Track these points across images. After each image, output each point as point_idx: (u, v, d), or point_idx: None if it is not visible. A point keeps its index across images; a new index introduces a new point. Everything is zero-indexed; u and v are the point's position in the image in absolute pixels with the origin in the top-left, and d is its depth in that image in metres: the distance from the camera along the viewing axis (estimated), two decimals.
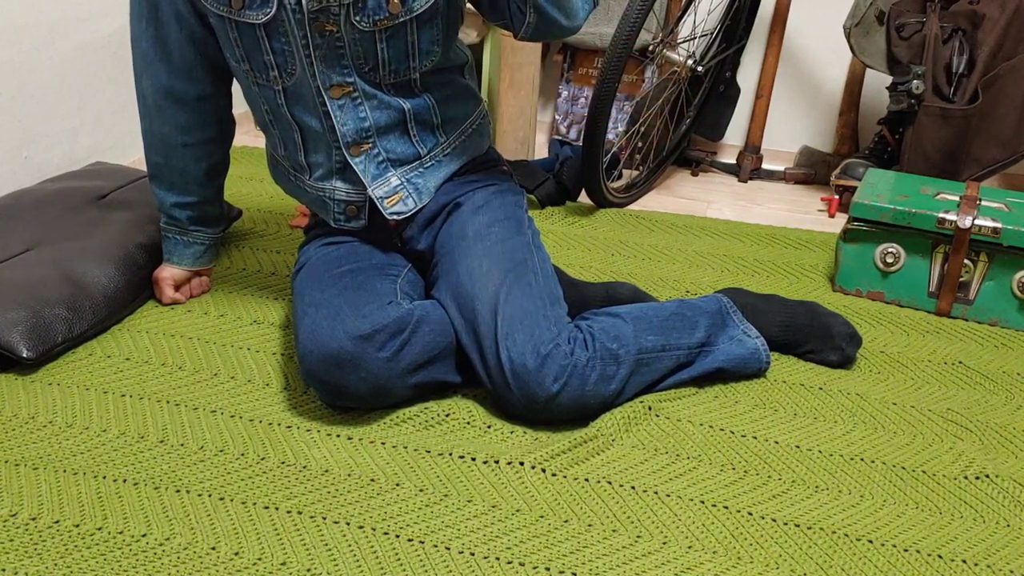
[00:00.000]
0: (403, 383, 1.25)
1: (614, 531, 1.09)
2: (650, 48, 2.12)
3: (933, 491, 1.18)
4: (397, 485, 1.15)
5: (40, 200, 1.70)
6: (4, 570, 0.98)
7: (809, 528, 1.11)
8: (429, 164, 1.38)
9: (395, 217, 1.37)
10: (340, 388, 1.22)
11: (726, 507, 1.13)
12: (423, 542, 1.06)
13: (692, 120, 2.35)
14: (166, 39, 1.34)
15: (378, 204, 1.36)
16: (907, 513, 1.14)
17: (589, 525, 1.09)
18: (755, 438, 1.27)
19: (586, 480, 1.17)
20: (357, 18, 1.23)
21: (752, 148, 2.38)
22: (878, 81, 2.34)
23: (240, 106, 2.01)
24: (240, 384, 1.34)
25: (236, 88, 1.52)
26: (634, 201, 2.16)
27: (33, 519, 1.06)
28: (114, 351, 1.41)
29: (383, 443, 1.22)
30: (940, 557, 1.07)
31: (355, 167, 1.34)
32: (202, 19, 1.32)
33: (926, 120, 1.97)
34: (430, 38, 1.29)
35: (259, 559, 1.02)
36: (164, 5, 1.31)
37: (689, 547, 1.07)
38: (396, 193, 1.36)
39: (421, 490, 1.14)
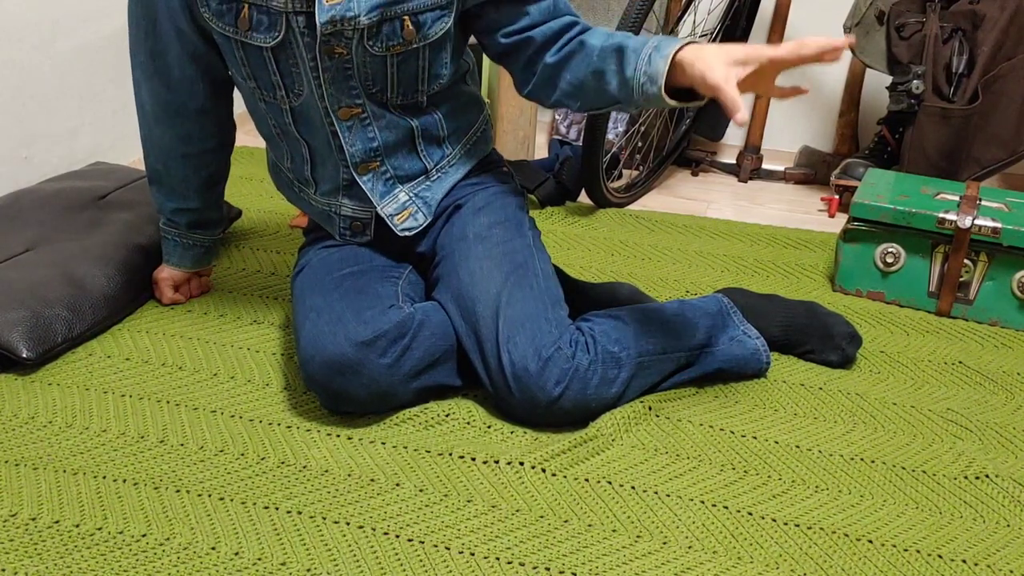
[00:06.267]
0: (405, 388, 1.24)
1: (614, 531, 1.09)
2: None
3: (933, 491, 1.18)
4: (397, 485, 1.15)
5: (40, 200, 1.70)
6: (4, 570, 0.98)
7: (809, 528, 1.11)
8: (436, 177, 1.37)
9: (407, 233, 1.36)
10: (342, 394, 1.22)
11: (726, 507, 1.13)
12: (423, 542, 1.06)
13: (692, 120, 2.35)
14: (165, 54, 1.32)
15: (388, 222, 1.35)
16: (907, 513, 1.14)
17: (589, 525, 1.09)
18: (755, 438, 1.27)
19: (586, 480, 1.17)
20: (370, 43, 1.21)
21: (752, 148, 2.37)
22: (878, 81, 2.34)
23: (239, 107, 2.00)
24: (240, 384, 1.34)
25: (236, 92, 1.51)
26: (634, 201, 2.16)
27: (33, 519, 1.06)
28: (114, 351, 1.41)
29: (383, 443, 1.22)
30: (940, 557, 1.07)
31: (362, 185, 1.33)
32: (204, 36, 1.29)
33: (926, 120, 1.97)
34: (440, 61, 1.28)
35: (259, 559, 1.02)
36: (163, 21, 1.28)
37: (689, 547, 1.07)
38: (406, 209, 1.35)
39: (421, 490, 1.14)
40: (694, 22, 2.30)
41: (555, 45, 1.26)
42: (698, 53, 1.10)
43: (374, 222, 1.38)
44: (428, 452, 1.20)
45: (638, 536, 1.08)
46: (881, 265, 1.68)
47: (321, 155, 1.33)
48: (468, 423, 1.27)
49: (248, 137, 2.44)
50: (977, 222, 1.58)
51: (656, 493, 1.15)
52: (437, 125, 1.34)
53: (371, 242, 1.41)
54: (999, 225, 1.57)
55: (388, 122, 1.30)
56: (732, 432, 1.28)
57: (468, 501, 1.12)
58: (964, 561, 1.07)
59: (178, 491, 1.12)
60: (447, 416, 1.28)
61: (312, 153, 1.34)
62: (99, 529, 1.05)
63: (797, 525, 1.11)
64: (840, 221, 2.12)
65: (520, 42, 1.26)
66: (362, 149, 1.30)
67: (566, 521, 1.10)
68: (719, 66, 1.06)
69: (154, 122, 1.40)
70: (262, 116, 1.35)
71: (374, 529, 1.07)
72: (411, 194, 1.35)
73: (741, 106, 1.02)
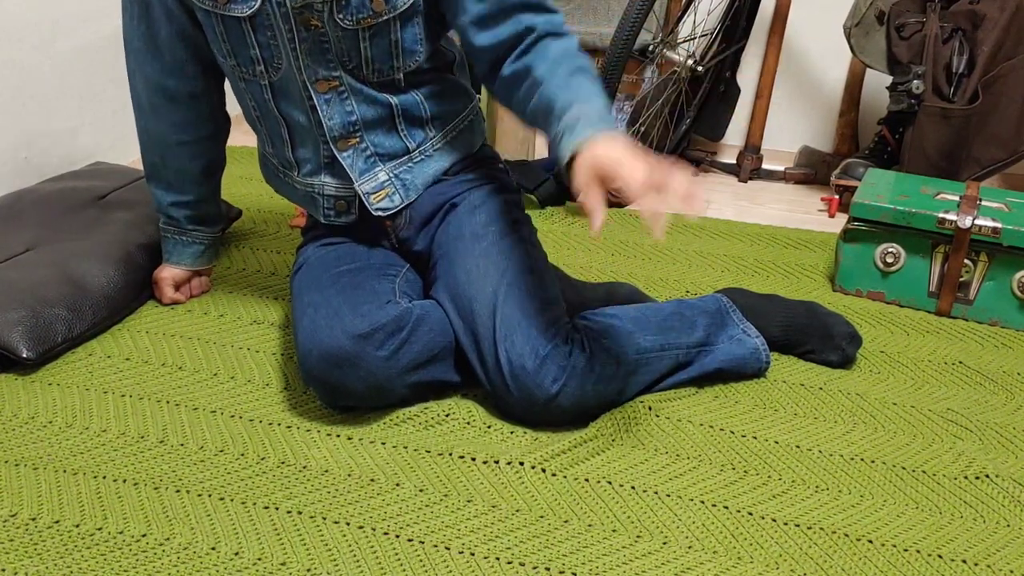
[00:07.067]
0: (402, 382, 1.25)
1: (614, 531, 1.09)
2: (650, 48, 2.12)
3: (933, 491, 1.18)
4: (397, 485, 1.15)
5: (40, 200, 1.70)
6: (4, 570, 0.98)
7: (809, 528, 1.11)
8: (418, 159, 1.37)
9: (380, 213, 1.36)
10: (339, 388, 1.22)
11: (726, 507, 1.13)
12: (423, 542, 1.06)
13: (692, 120, 2.35)
14: (156, 37, 1.35)
15: (364, 200, 1.35)
16: (907, 513, 1.14)
17: (589, 525, 1.09)
18: (755, 438, 1.27)
19: (586, 480, 1.17)
20: (340, 16, 1.22)
21: (752, 148, 2.38)
22: (878, 81, 2.34)
23: (237, 106, 2.01)
24: (240, 384, 1.34)
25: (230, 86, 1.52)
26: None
27: (33, 519, 1.06)
28: (114, 351, 1.41)
29: (383, 443, 1.22)
30: (940, 557, 1.07)
31: (342, 162, 1.33)
32: (191, 15, 1.32)
33: (926, 120, 1.97)
34: (413, 36, 1.28)
35: (259, 559, 1.02)
36: (155, 3, 1.32)
37: (689, 547, 1.07)
38: (383, 188, 1.36)
39: (421, 490, 1.14)
40: (694, 22, 2.30)
41: (510, 56, 1.25)
42: (581, 161, 1.10)
43: (358, 201, 1.39)
44: (428, 452, 1.20)
45: (638, 536, 1.08)
46: (881, 265, 1.68)
47: (301, 134, 1.34)
48: (468, 423, 1.27)
49: (247, 137, 2.44)
50: (977, 222, 1.59)
51: (656, 493, 1.15)
52: (418, 106, 1.34)
53: (368, 240, 1.41)
54: (999, 225, 1.57)
55: (366, 97, 1.30)
56: (732, 432, 1.28)
57: (468, 501, 1.12)
58: (964, 561, 1.07)
59: (178, 491, 1.12)
60: (447, 416, 1.28)
61: (292, 132, 1.35)
62: (99, 529, 1.05)
63: (797, 525, 1.11)
64: (840, 221, 2.12)
65: (474, 51, 1.26)
66: (340, 123, 1.31)
67: (566, 521, 1.10)
68: (582, 178, 1.09)
69: (149, 110, 1.41)
70: (243, 98, 1.36)
71: (374, 529, 1.07)
72: (391, 174, 1.36)
73: (597, 219, 1.06)
